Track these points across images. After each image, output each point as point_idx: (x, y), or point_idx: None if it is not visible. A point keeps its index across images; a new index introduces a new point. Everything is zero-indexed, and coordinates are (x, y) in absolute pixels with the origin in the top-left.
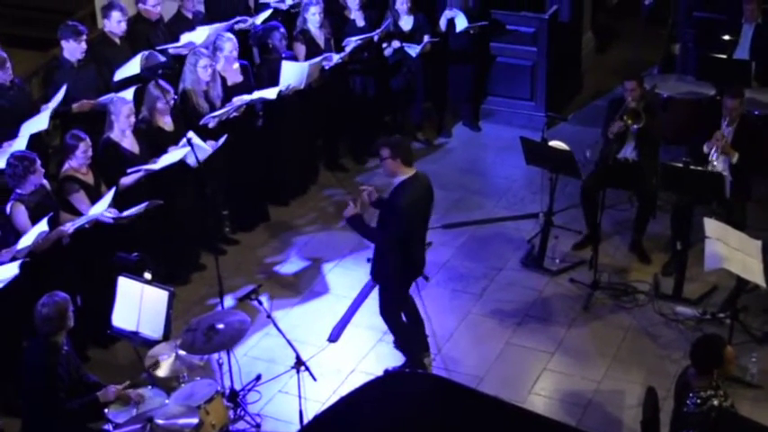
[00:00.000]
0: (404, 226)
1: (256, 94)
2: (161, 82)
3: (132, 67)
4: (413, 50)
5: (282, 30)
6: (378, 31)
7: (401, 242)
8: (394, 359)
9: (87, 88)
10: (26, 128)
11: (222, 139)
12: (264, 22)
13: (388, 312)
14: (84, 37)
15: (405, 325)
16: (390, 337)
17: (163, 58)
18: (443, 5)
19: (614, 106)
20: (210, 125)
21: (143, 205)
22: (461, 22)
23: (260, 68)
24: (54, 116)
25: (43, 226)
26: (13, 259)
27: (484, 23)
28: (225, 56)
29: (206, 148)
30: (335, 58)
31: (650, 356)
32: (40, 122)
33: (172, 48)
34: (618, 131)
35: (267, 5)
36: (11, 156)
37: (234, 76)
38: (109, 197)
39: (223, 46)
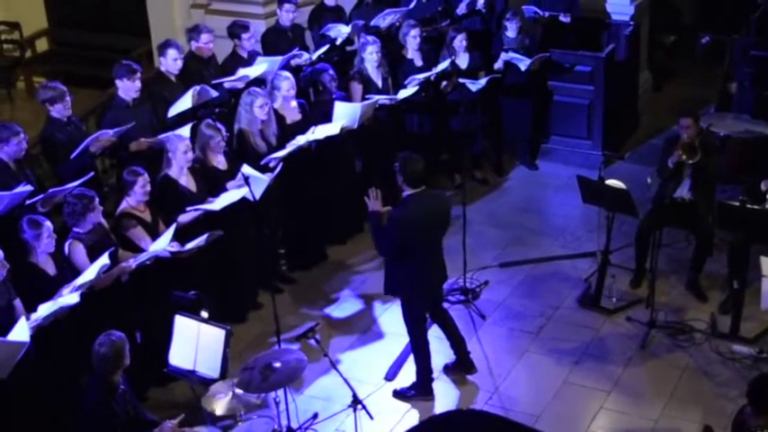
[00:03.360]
0: (396, 237)
1: (319, 132)
2: (212, 122)
3: (184, 102)
4: (474, 86)
5: (331, 71)
6: (435, 70)
7: (398, 254)
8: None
9: (142, 127)
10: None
11: (278, 169)
12: (321, 56)
13: (408, 325)
14: (139, 75)
15: (424, 344)
16: (444, 377)
17: (215, 93)
18: (499, 44)
19: (670, 145)
20: (272, 165)
21: (204, 237)
22: (523, 63)
23: (312, 109)
24: (110, 155)
25: (105, 260)
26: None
27: (545, 54)
28: (282, 95)
29: (263, 178)
30: (381, 98)
31: (707, 395)
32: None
33: (227, 82)
34: (676, 161)
35: (325, 40)
36: (69, 194)
37: (293, 114)
38: (170, 233)
39: (280, 85)
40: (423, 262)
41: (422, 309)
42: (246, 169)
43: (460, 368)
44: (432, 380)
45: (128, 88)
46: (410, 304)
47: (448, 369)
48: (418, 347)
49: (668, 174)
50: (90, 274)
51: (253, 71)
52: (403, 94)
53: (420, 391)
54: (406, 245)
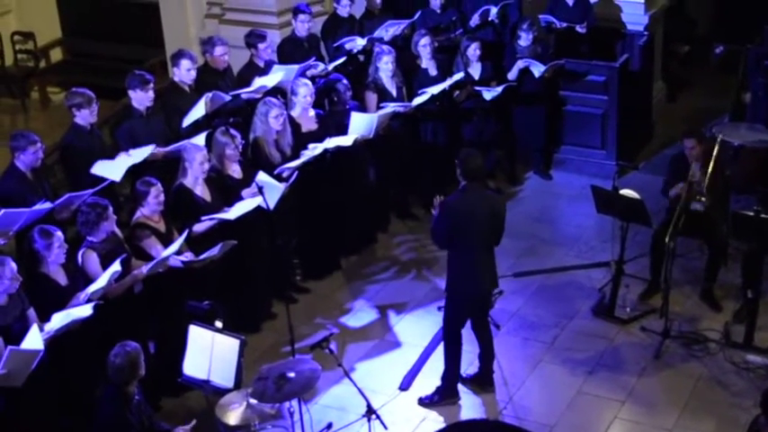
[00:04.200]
0: (444, 219)
1: (332, 143)
2: (227, 129)
3: (198, 110)
4: (489, 94)
5: (345, 81)
6: (448, 82)
7: (448, 245)
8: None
9: (156, 137)
10: (100, 168)
11: (293, 178)
12: (338, 68)
13: (444, 323)
14: (152, 86)
15: (454, 348)
16: (460, 386)
17: (228, 97)
18: (512, 54)
19: (676, 163)
20: (285, 175)
21: (218, 247)
22: (537, 69)
23: (327, 119)
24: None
25: (116, 267)
26: (88, 301)
27: (559, 62)
28: (300, 101)
29: (278, 185)
30: (396, 106)
31: (721, 405)
32: (113, 173)
33: (244, 93)
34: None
35: (341, 52)
36: (83, 203)
37: (309, 123)
38: (181, 240)
39: (298, 91)
40: (473, 259)
41: (464, 309)
42: (262, 177)
43: (478, 382)
44: (457, 382)
45: (141, 99)
46: (453, 301)
47: (464, 380)
48: (450, 347)
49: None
50: (102, 281)
51: (269, 80)
52: (417, 100)
53: (445, 395)
54: (457, 234)
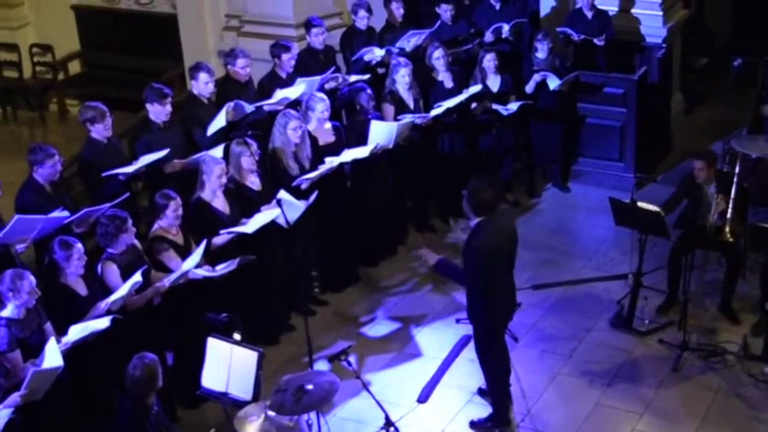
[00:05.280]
0: (481, 266)
1: (348, 155)
2: (242, 138)
3: (219, 120)
4: (506, 112)
5: (369, 91)
6: (464, 95)
7: (484, 280)
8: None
9: (174, 149)
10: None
11: (313, 197)
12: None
13: (481, 351)
14: (169, 100)
15: (497, 369)
16: (479, 399)
17: (250, 108)
18: (529, 66)
19: (685, 182)
20: (303, 186)
21: (235, 261)
22: (553, 82)
23: (348, 130)
24: (143, 177)
25: (137, 278)
26: (108, 312)
27: (574, 75)
28: (316, 116)
29: (298, 204)
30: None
31: (739, 417)
32: (128, 169)
33: (266, 105)
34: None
35: (359, 64)
36: (102, 215)
37: (326, 136)
38: (200, 251)
39: (315, 106)
40: (505, 281)
41: (501, 327)
42: (283, 195)
43: None
44: (509, 408)
45: (158, 112)
46: (490, 323)
47: (483, 392)
48: (492, 375)
49: (671, 211)
50: (123, 291)
51: (291, 92)
52: (434, 112)
53: (497, 422)
54: (489, 269)
